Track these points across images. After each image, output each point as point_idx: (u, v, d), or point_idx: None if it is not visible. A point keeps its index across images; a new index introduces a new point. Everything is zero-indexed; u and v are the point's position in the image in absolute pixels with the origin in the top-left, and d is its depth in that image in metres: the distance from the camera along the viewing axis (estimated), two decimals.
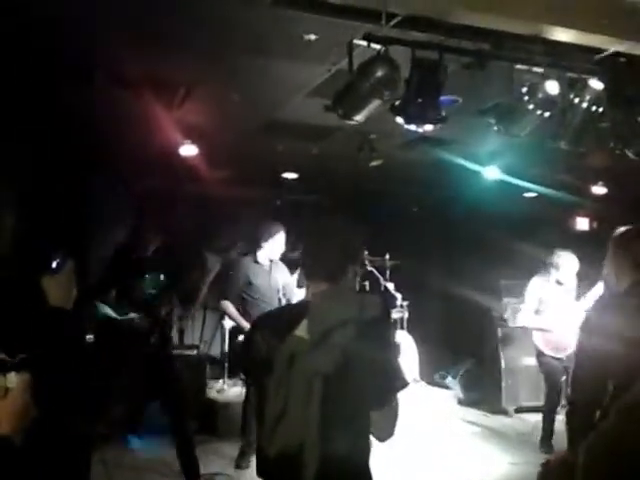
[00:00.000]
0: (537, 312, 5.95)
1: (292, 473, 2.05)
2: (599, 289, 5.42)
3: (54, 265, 2.28)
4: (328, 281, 2.22)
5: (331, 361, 2.03)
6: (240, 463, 5.27)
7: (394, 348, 2.23)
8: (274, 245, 5.51)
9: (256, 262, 5.52)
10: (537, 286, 5.99)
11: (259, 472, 2.26)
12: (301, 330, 2.11)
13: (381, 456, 2.29)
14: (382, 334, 2.21)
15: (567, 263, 5.88)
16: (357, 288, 2.34)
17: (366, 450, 2.19)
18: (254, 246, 5.58)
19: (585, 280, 5.89)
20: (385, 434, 2.18)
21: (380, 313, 2.14)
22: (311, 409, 2.03)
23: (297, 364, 2.07)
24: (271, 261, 5.59)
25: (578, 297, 5.91)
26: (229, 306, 5.47)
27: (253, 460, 5.32)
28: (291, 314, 2.23)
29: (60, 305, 2.25)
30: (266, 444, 2.12)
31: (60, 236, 4.46)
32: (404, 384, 2.15)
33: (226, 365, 7.67)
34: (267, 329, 2.23)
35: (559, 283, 5.92)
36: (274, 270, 5.61)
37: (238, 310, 5.49)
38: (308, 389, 2.04)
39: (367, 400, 2.10)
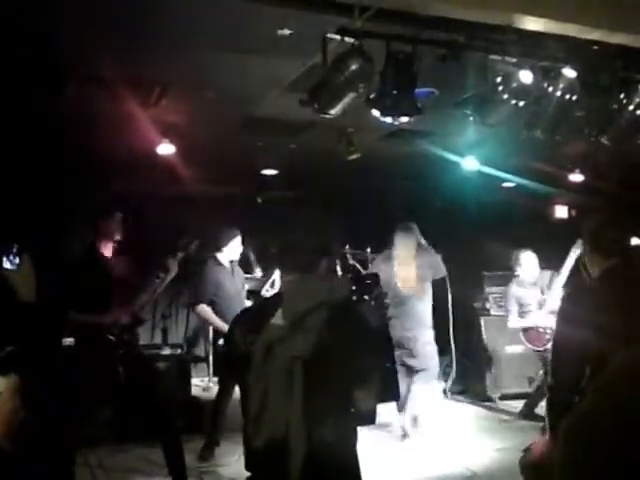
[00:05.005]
0: (520, 314, 6.36)
1: (280, 461, 2.06)
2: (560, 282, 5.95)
3: (17, 261, 2.28)
4: (300, 272, 2.23)
5: (309, 344, 2.05)
6: (204, 455, 5.31)
7: (370, 325, 2.26)
8: (232, 248, 5.59)
9: (219, 264, 5.55)
10: (513, 292, 6.45)
11: (248, 465, 2.27)
12: (277, 319, 2.14)
13: (367, 446, 2.30)
14: (356, 313, 2.26)
15: (527, 261, 6.34)
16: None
17: (352, 435, 2.21)
18: (213, 248, 5.61)
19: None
20: (367, 417, 2.20)
21: (350, 293, 2.18)
22: (294, 395, 2.04)
23: (274, 352, 2.08)
24: (231, 262, 5.64)
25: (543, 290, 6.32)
26: (206, 310, 5.45)
27: (217, 452, 5.35)
28: (266, 306, 2.25)
29: (27, 299, 2.25)
30: (252, 436, 2.12)
31: (14, 232, 4.40)
32: (385, 361, 2.18)
33: (210, 363, 7.68)
34: (245, 324, 2.25)
35: (529, 283, 6.35)
36: (235, 272, 5.69)
37: None
38: (289, 375, 2.05)
39: (348, 382, 2.12)
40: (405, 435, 5.78)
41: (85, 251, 4.52)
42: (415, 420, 5.88)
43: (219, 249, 5.55)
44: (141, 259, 4.64)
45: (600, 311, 2.48)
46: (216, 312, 5.41)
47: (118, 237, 4.52)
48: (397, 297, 5.65)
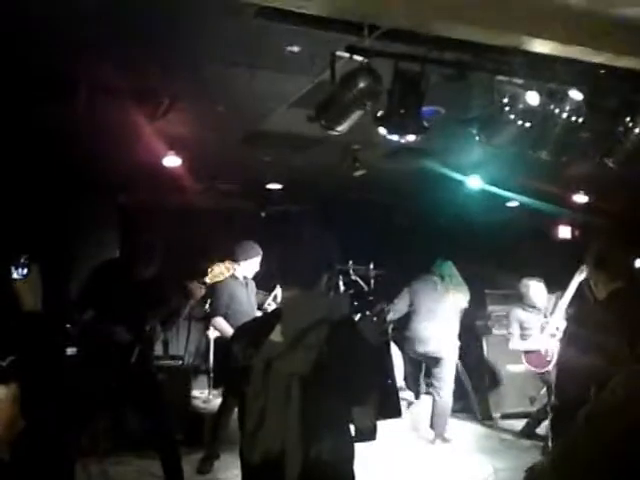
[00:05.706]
0: (522, 337, 6.38)
1: (276, 477, 2.05)
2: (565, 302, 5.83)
3: (25, 270, 2.29)
4: (301, 288, 2.24)
5: (307, 362, 2.05)
6: (202, 468, 5.29)
7: (370, 342, 2.26)
8: (251, 265, 5.59)
9: (234, 277, 5.52)
10: (516, 315, 6.49)
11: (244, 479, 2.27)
12: (275, 335, 2.14)
13: (366, 463, 2.29)
14: (355, 330, 2.26)
15: (533, 291, 6.38)
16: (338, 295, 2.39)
17: (349, 453, 2.20)
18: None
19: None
20: (367, 434, 2.19)
21: (351, 309, 2.20)
22: (290, 412, 2.04)
23: (273, 368, 2.09)
24: (245, 277, 5.64)
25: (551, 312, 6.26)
26: (222, 323, 5.43)
27: (216, 465, 5.35)
28: (265, 321, 2.26)
29: (33, 309, 2.25)
30: (249, 452, 2.13)
31: (24, 240, 4.41)
32: (386, 377, 2.17)
33: (211, 376, 7.66)
34: (244, 339, 2.26)
35: (534, 307, 6.36)
36: (249, 286, 5.69)
37: None
38: (286, 392, 2.05)
39: (347, 399, 2.11)
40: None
41: (117, 264, 4.51)
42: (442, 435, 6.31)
43: (237, 261, 5.49)
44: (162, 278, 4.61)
45: (606, 333, 2.48)
46: (230, 325, 5.41)
47: (156, 260, 4.52)
48: (437, 315, 6.35)
